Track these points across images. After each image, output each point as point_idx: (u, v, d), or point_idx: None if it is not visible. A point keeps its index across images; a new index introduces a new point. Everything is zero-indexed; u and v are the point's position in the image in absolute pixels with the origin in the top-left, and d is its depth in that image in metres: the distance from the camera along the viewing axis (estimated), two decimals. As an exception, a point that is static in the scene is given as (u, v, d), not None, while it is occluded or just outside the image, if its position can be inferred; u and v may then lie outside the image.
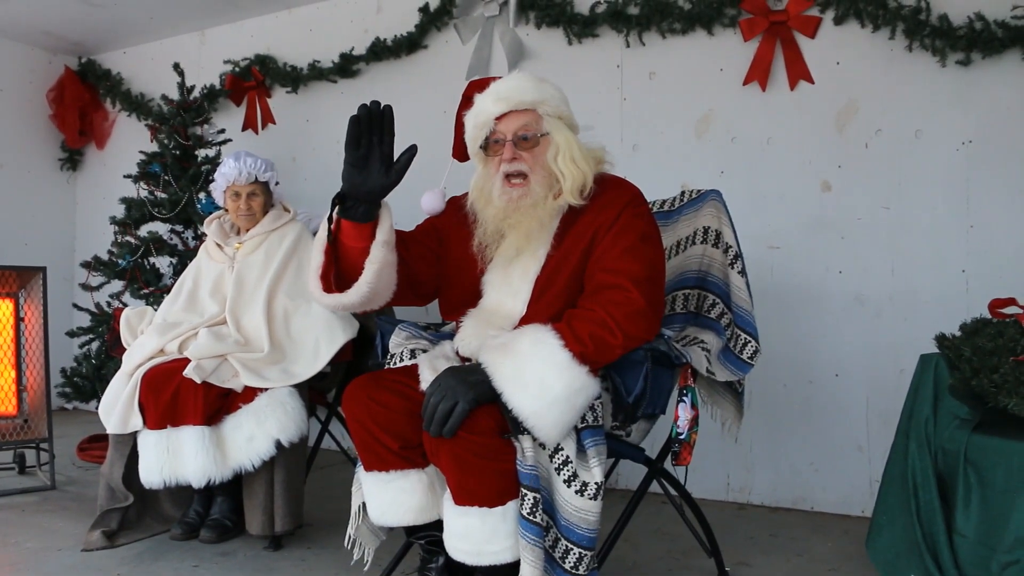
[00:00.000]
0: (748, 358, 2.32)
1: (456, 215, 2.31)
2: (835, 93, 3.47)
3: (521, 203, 2.11)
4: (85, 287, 4.35)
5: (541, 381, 1.87)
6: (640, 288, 2.01)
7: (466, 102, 2.28)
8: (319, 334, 3.04)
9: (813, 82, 3.51)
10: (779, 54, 3.57)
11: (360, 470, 2.19)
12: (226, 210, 3.35)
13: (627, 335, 1.96)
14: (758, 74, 3.60)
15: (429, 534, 2.15)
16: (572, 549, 1.90)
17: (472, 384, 1.89)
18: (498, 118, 2.15)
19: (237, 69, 5.03)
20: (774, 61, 3.58)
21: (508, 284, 2.15)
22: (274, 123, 5.01)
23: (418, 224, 2.41)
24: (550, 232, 2.14)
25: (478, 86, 2.26)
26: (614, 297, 2.00)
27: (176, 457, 2.86)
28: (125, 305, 4.08)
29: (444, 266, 2.31)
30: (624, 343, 1.96)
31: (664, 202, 2.66)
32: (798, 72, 3.54)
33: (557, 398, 1.86)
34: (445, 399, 1.87)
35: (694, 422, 2.17)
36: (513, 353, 1.91)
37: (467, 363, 2.05)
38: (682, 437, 2.14)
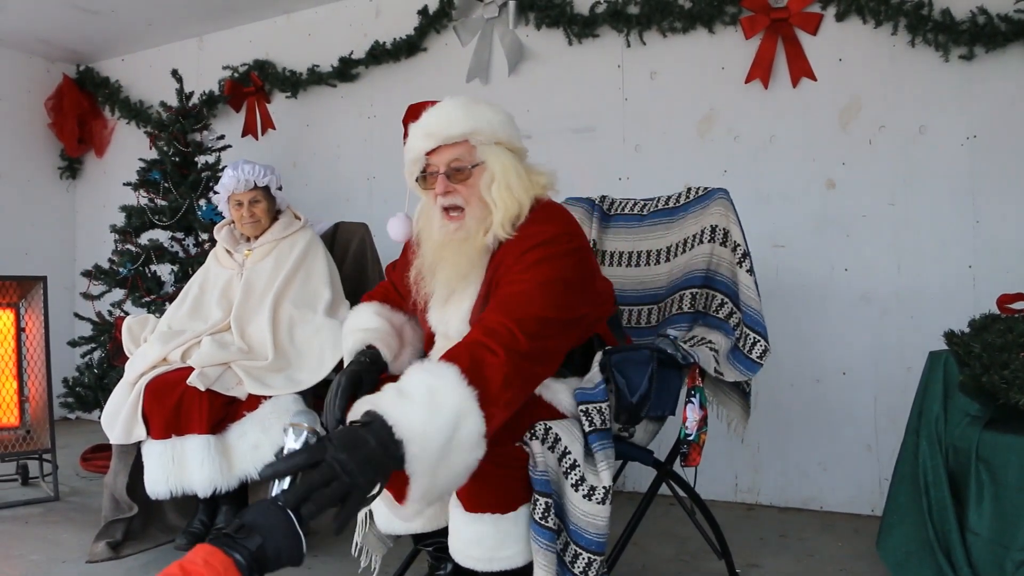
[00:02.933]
0: (757, 358, 2.30)
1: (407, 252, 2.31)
2: (838, 90, 3.46)
3: (455, 236, 2.05)
4: (86, 296, 4.33)
5: (447, 443, 1.58)
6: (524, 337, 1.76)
7: (406, 126, 2.23)
8: (324, 342, 3.02)
9: (816, 79, 3.50)
10: (781, 52, 3.56)
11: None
12: (232, 220, 3.34)
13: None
14: (760, 72, 3.58)
15: (436, 541, 2.13)
16: (581, 554, 1.87)
17: (372, 464, 1.45)
18: (429, 152, 2.08)
19: (236, 75, 5.01)
20: (776, 59, 3.57)
21: (446, 326, 2.10)
22: (274, 128, 4.99)
23: (396, 261, 2.40)
24: (482, 269, 2.07)
25: (412, 114, 2.20)
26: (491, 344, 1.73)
27: (182, 467, 2.84)
28: (126, 314, 4.06)
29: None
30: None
31: (668, 198, 2.64)
32: (800, 69, 3.52)
33: (460, 455, 1.61)
34: (347, 478, 1.41)
35: (703, 423, 2.15)
36: (425, 403, 1.58)
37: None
38: (691, 438, 2.12)
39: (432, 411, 1.55)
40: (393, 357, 2.20)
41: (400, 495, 1.56)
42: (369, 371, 2.10)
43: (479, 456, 1.63)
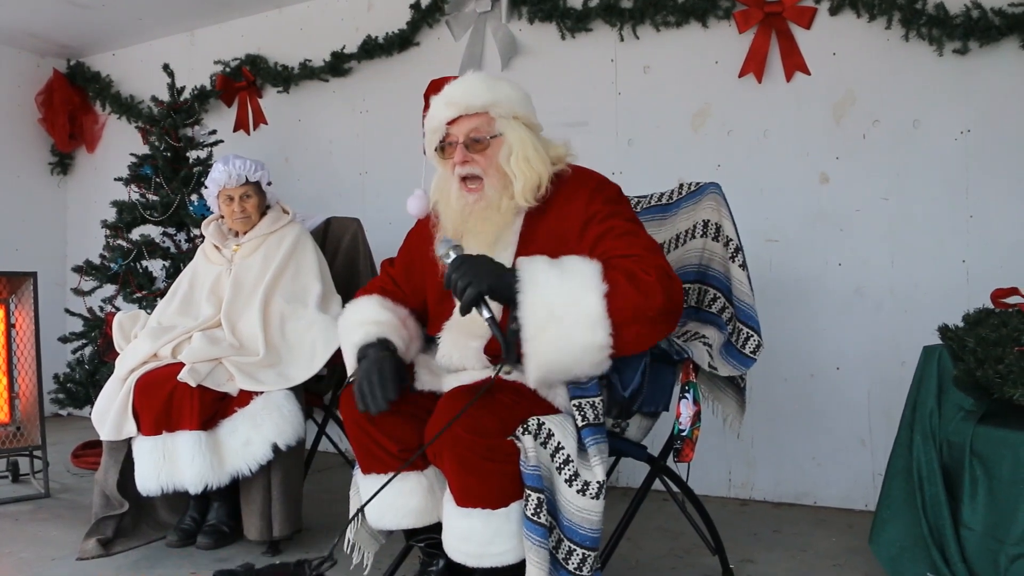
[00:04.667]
0: (751, 352, 2.29)
1: (423, 229, 2.31)
2: (832, 84, 3.45)
3: (476, 207, 2.11)
4: (77, 292, 4.30)
5: (563, 305, 1.82)
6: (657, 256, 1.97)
7: (427, 100, 2.27)
8: (315, 337, 2.99)
9: (809, 73, 3.49)
10: (775, 46, 3.55)
11: (358, 473, 2.16)
12: (222, 216, 3.31)
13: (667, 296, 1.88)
14: (754, 66, 3.57)
15: (429, 537, 2.12)
16: (575, 550, 1.86)
17: (493, 274, 1.87)
18: (450, 122, 2.13)
19: (228, 69, 4.99)
20: (770, 53, 3.56)
21: None
22: (266, 123, 4.97)
23: (397, 257, 2.42)
24: (514, 234, 2.12)
25: (435, 88, 2.24)
26: (633, 269, 1.90)
27: (172, 463, 2.82)
28: (118, 309, 4.04)
29: (422, 285, 2.31)
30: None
31: (662, 195, 2.63)
32: (794, 64, 3.51)
33: (567, 338, 1.82)
34: (462, 277, 1.85)
35: (696, 418, 2.14)
36: (556, 267, 1.88)
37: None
38: (684, 433, 2.11)
39: (556, 269, 1.85)
40: (405, 349, 2.21)
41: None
42: (399, 362, 2.10)
43: (597, 341, 1.81)
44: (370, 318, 2.21)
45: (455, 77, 2.23)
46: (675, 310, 1.92)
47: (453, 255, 1.92)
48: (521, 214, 2.13)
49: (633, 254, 1.93)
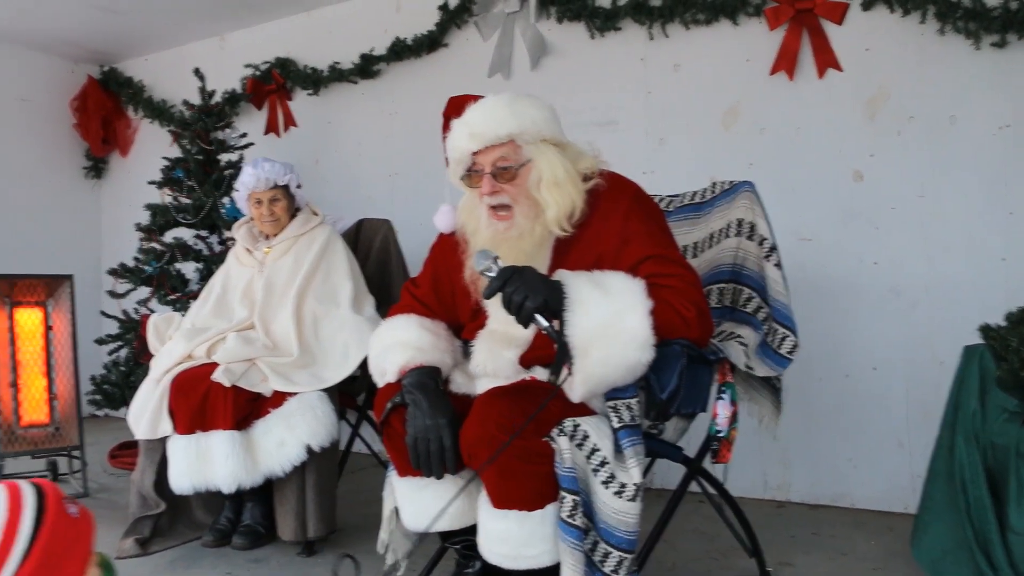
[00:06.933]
0: (787, 353, 2.26)
1: (446, 244, 2.29)
2: (865, 80, 3.40)
3: (508, 235, 2.07)
4: (112, 294, 4.35)
5: (609, 324, 1.83)
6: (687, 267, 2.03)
7: (447, 119, 2.22)
8: (348, 338, 3.01)
9: (842, 70, 3.44)
10: (806, 42, 3.51)
11: (393, 475, 2.16)
12: (251, 218, 3.33)
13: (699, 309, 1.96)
14: (785, 63, 3.54)
15: (464, 539, 2.11)
16: (612, 552, 1.85)
17: (547, 287, 1.86)
18: (475, 152, 2.08)
19: (257, 73, 5.02)
20: (801, 50, 3.52)
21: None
22: (296, 126, 5.00)
23: (420, 276, 2.40)
24: (545, 256, 2.09)
25: (455, 108, 2.19)
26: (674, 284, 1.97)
27: (206, 462, 2.84)
28: (152, 311, 4.07)
29: (452, 301, 2.29)
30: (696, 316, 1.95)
31: (695, 194, 2.61)
32: (826, 60, 3.47)
33: (615, 356, 1.83)
34: (517, 291, 1.84)
35: (733, 418, 2.12)
36: (600, 286, 1.88)
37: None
38: (721, 434, 2.09)
39: (600, 288, 1.87)
40: (448, 370, 2.20)
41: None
42: (448, 402, 2.06)
43: (641, 359, 1.83)
44: (413, 342, 2.17)
45: (475, 97, 2.16)
46: (703, 346, 2.02)
47: (496, 267, 1.91)
48: (550, 241, 2.10)
49: (673, 286, 1.95)
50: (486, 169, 2.06)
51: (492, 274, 1.90)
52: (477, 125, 2.06)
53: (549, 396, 1.85)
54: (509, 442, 1.79)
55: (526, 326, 1.89)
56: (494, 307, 2.09)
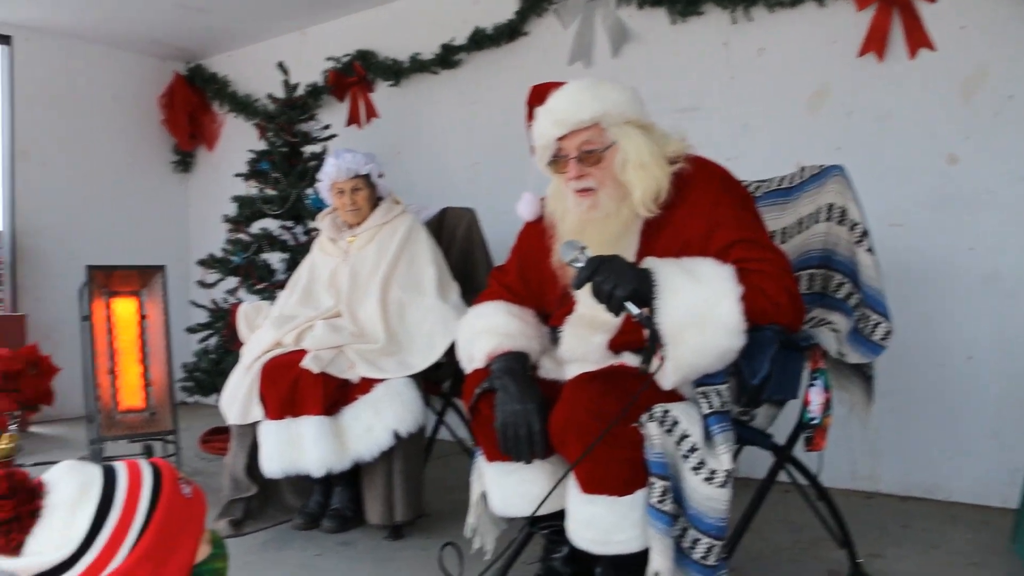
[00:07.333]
0: (880, 339, 2.20)
1: (533, 231, 2.29)
2: (960, 60, 3.28)
3: (592, 214, 2.06)
4: (202, 284, 4.48)
5: (700, 311, 1.81)
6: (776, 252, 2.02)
7: (531, 108, 2.22)
8: (433, 325, 3.05)
9: (935, 49, 3.33)
10: (897, 22, 3.40)
11: (481, 460, 2.18)
12: (335, 208, 3.39)
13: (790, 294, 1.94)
14: (874, 44, 3.44)
15: (551, 524, 2.12)
16: (701, 539, 1.83)
17: (637, 276, 1.84)
18: (560, 137, 2.08)
19: (339, 65, 5.10)
20: (891, 30, 3.41)
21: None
22: (378, 117, 5.07)
23: (507, 264, 2.41)
24: (634, 238, 2.08)
25: (537, 96, 2.18)
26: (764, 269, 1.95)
27: (296, 447, 2.91)
28: (240, 301, 4.18)
29: (540, 289, 2.29)
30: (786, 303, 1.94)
31: (783, 179, 2.56)
32: (918, 40, 3.36)
33: (707, 344, 1.82)
34: (606, 280, 1.83)
35: (827, 405, 2.07)
36: (689, 273, 1.87)
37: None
38: (815, 422, 2.05)
39: (690, 275, 1.85)
40: (536, 357, 2.21)
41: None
42: (536, 387, 2.07)
43: (732, 346, 1.82)
44: (501, 329, 2.19)
45: (557, 84, 2.16)
46: (795, 332, 2.01)
47: (583, 257, 1.89)
48: (638, 223, 2.09)
49: (764, 271, 1.92)
50: (571, 154, 2.06)
51: (580, 264, 1.89)
52: (560, 111, 2.06)
53: (643, 385, 1.84)
54: (605, 432, 1.79)
55: (617, 315, 1.88)
56: (583, 293, 2.09)
